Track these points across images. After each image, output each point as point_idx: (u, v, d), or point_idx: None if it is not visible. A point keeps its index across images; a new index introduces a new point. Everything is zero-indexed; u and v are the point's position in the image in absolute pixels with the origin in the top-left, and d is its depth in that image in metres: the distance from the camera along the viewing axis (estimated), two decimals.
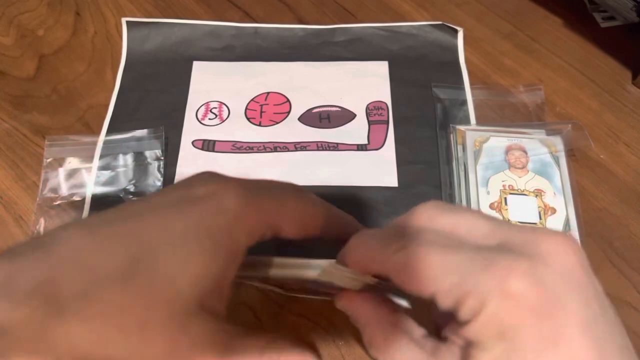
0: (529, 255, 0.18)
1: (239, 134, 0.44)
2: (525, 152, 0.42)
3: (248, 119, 0.45)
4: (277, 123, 0.45)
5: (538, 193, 0.39)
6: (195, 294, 0.19)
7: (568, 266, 0.18)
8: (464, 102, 0.46)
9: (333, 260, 0.22)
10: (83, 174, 0.42)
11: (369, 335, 0.24)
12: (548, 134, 0.43)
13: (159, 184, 0.41)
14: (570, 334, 0.17)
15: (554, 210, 0.39)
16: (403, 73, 0.48)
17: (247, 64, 0.49)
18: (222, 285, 0.20)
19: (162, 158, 0.42)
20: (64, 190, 0.41)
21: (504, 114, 0.46)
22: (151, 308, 0.18)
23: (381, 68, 0.48)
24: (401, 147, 0.43)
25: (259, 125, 0.45)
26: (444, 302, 0.19)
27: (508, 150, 0.42)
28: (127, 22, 0.51)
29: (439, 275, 0.18)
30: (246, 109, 0.46)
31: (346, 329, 0.35)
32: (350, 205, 0.40)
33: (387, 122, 0.45)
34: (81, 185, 0.41)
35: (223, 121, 0.45)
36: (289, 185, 0.24)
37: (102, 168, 0.42)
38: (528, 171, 0.41)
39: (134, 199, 0.40)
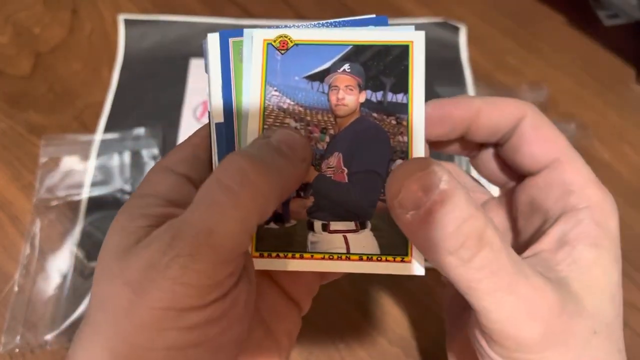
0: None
1: None
2: None
3: None
4: None
5: None
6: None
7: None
8: None
9: None
10: (79, 173, 0.41)
11: None
12: None
13: None
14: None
15: None
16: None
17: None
18: None
19: (159, 157, 0.42)
20: (61, 191, 0.40)
21: None
22: None
23: None
24: None
25: None
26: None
27: None
28: (124, 19, 0.51)
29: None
30: None
31: (346, 332, 0.35)
32: None
33: None
34: (78, 185, 0.40)
35: None
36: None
37: (99, 167, 0.41)
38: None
39: None
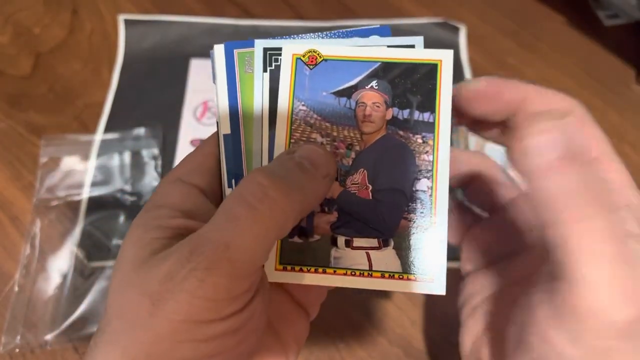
0: None
1: None
2: None
3: None
4: None
5: None
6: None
7: None
8: None
9: None
10: (79, 173, 0.41)
11: None
12: None
13: (156, 183, 0.41)
14: None
15: None
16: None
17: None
18: None
19: (160, 157, 0.42)
20: (61, 191, 0.40)
21: None
22: None
23: None
24: None
25: None
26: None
27: None
28: (125, 19, 0.51)
29: None
30: None
31: (346, 331, 0.35)
32: None
33: None
34: (78, 185, 0.40)
35: None
36: None
37: (99, 167, 0.41)
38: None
39: (130, 198, 0.40)
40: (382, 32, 0.22)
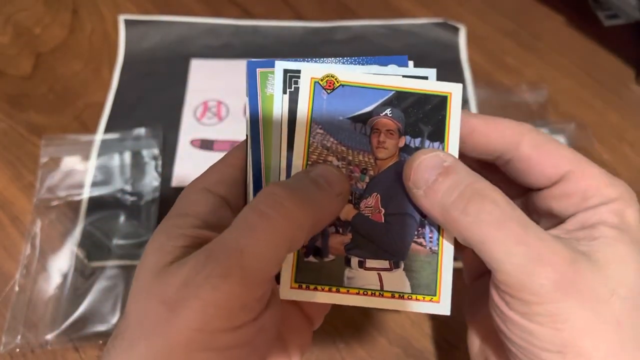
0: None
1: (238, 133, 0.44)
2: None
3: None
4: None
5: None
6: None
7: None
8: (466, 101, 0.46)
9: None
10: (80, 173, 0.41)
11: None
12: (551, 133, 0.42)
13: (156, 183, 0.41)
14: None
15: None
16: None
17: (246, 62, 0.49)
18: None
19: (160, 157, 0.42)
20: (61, 191, 0.40)
21: (506, 113, 0.45)
22: None
23: None
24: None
25: None
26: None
27: None
28: (125, 20, 0.51)
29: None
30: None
31: (347, 331, 0.35)
32: None
33: None
34: (78, 186, 0.40)
35: (222, 120, 0.45)
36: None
37: (99, 167, 0.41)
38: None
39: (130, 198, 0.40)
40: (400, 61, 0.23)
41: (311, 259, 0.22)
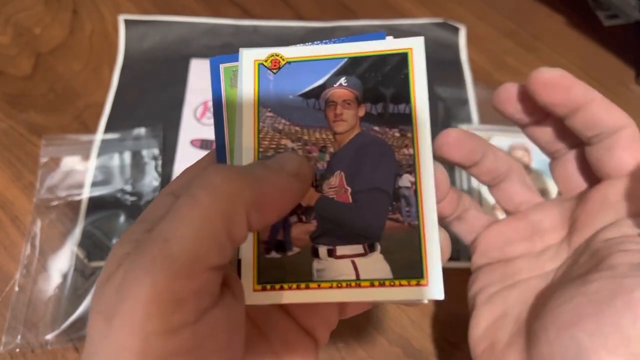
0: None
1: None
2: (528, 151, 0.41)
3: None
4: None
5: (542, 193, 0.39)
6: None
7: None
8: (466, 101, 0.46)
9: None
10: (80, 173, 0.41)
11: None
12: None
13: (156, 183, 0.41)
14: None
15: None
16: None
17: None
18: None
19: (160, 157, 0.42)
20: (61, 191, 0.40)
21: None
22: None
23: None
24: None
25: None
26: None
27: (511, 149, 0.41)
28: (125, 20, 0.51)
29: None
30: None
31: (346, 331, 0.35)
32: None
33: None
34: (78, 185, 0.40)
35: None
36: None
37: (99, 167, 0.41)
38: (532, 171, 0.40)
39: (130, 198, 0.40)
40: (378, 37, 0.21)
41: (273, 255, 0.20)
